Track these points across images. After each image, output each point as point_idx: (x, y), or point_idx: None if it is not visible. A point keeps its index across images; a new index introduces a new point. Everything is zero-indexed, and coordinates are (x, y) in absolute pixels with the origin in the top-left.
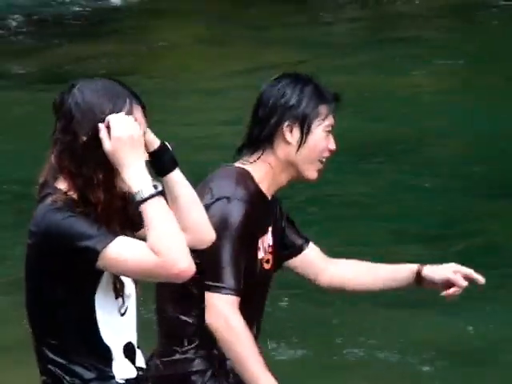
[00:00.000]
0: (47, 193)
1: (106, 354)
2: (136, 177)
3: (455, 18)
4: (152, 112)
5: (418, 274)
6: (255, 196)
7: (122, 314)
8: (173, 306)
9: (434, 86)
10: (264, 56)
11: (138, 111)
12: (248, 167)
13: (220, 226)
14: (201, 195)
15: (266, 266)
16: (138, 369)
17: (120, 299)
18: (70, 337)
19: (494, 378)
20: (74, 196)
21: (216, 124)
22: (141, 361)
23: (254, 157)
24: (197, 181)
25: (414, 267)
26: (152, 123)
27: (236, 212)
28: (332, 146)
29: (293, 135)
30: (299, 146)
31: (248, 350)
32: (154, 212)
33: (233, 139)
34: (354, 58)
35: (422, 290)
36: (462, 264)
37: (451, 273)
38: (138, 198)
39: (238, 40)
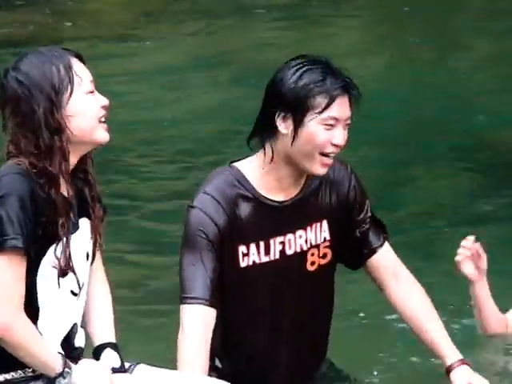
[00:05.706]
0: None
1: None
2: None
3: None
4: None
5: (447, 370)
6: (235, 201)
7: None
8: None
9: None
10: None
11: (76, 62)
12: (245, 166)
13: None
14: None
15: (310, 268)
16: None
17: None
18: None
19: None
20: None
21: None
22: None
23: (258, 152)
24: None
25: (446, 361)
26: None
27: (191, 220)
28: (337, 140)
29: (286, 126)
30: (293, 139)
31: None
32: None
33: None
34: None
35: None
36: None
37: None
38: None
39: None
